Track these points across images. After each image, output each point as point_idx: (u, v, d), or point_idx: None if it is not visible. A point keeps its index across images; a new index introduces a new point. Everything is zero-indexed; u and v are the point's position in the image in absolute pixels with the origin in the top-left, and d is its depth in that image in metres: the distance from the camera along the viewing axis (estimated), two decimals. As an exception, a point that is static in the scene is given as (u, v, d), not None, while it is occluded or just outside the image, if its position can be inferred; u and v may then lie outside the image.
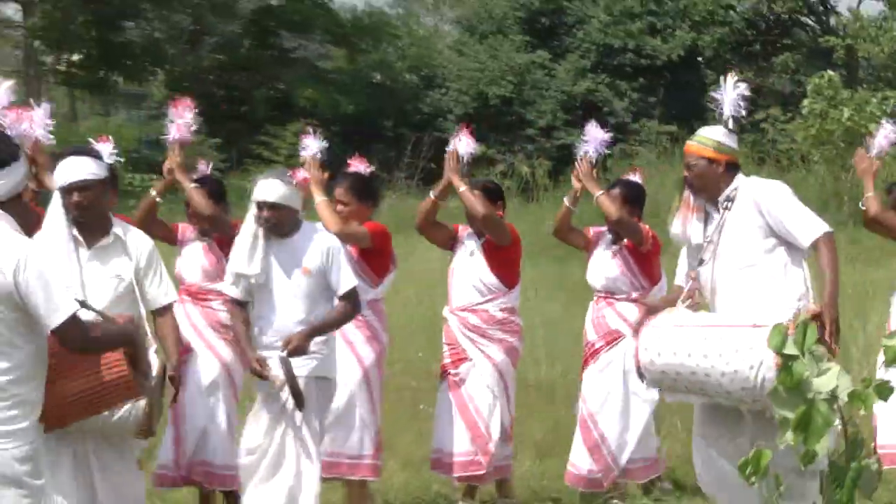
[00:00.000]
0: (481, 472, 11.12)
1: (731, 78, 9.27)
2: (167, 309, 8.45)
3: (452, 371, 11.17)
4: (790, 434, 6.89)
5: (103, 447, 8.15)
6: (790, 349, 7.07)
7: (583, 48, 42.58)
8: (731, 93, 9.17)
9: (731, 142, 9.15)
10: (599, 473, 11.34)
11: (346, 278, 9.49)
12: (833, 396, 6.85)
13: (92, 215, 8.19)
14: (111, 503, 8.22)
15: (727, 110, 9.17)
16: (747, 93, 9.25)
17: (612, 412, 11.35)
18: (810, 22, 45.42)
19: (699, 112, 37.94)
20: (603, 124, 35.86)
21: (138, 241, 8.36)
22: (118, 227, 8.31)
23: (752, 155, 34.58)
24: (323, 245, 9.19)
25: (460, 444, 11.12)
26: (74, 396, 7.05)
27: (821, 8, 44.86)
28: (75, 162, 8.14)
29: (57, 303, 6.55)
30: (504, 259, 11.17)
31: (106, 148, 8.94)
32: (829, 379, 6.94)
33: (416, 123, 42.56)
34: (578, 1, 43.44)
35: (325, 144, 10.73)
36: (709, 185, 9.09)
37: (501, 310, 11.15)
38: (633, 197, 11.65)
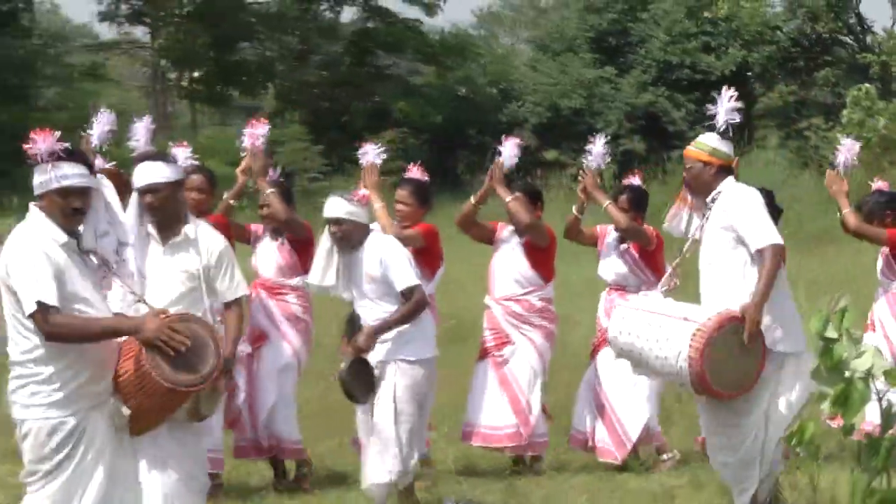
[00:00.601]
0: (523, 444, 11.10)
1: (727, 92, 9.30)
2: (234, 303, 8.25)
3: (496, 353, 11.15)
4: (829, 406, 6.63)
5: None
6: (831, 333, 6.71)
7: (645, 64, 41.99)
8: (725, 104, 9.20)
9: (724, 147, 9.20)
10: (613, 447, 11.32)
11: (401, 278, 9.37)
12: (869, 375, 6.61)
13: (163, 215, 8.04)
14: (177, 459, 7.95)
15: (721, 119, 9.18)
16: (740, 105, 9.27)
17: (624, 391, 11.28)
18: (849, 41, 44.50)
19: (748, 122, 37.20)
20: (663, 132, 36.67)
21: (210, 241, 8.16)
22: (191, 227, 8.12)
23: (797, 160, 35.32)
24: (379, 252, 9.16)
25: (503, 418, 11.07)
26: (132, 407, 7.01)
27: (858, 28, 43.69)
28: (149, 166, 8.02)
29: (28, 293, 6.71)
30: (542, 257, 11.19)
31: (182, 153, 8.82)
32: (866, 359, 6.65)
33: (496, 132, 40.87)
34: (641, 23, 42.61)
35: (380, 151, 10.81)
36: (702, 186, 9.16)
37: (540, 300, 11.17)
38: (637, 200, 11.59)
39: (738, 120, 9.23)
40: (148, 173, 7.92)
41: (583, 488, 10.64)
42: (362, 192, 9.97)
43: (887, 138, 32.59)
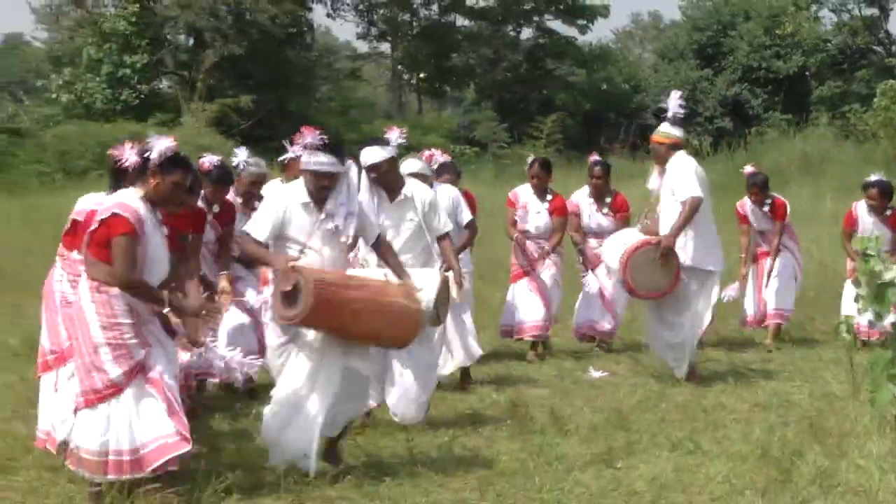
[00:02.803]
0: (548, 334, 10.72)
1: (674, 93, 9.28)
2: (445, 236, 7.81)
3: (531, 271, 10.49)
4: (865, 303, 6.71)
5: None
6: (871, 251, 6.69)
7: (733, 67, 41.69)
8: (674, 101, 9.16)
9: (675, 132, 9.14)
10: (611, 326, 10.90)
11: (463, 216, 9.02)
12: (894, 283, 6.59)
13: (386, 182, 7.59)
14: (409, 367, 7.50)
15: (672, 111, 9.14)
16: (683, 102, 9.21)
17: (622, 294, 10.29)
18: (880, 50, 43.52)
19: (806, 107, 39.45)
20: (745, 115, 36.14)
21: (422, 195, 7.71)
22: (408, 188, 7.68)
23: (840, 133, 34.21)
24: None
25: (536, 316, 10.46)
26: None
27: (886, 40, 43.42)
28: (370, 150, 7.46)
29: (249, 224, 6.62)
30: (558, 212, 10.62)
31: (394, 134, 7.50)
32: (893, 272, 6.62)
33: (628, 115, 42.47)
34: (731, 38, 42.30)
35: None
36: (661, 158, 9.15)
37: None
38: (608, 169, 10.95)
39: (682, 113, 9.20)
40: (369, 155, 7.47)
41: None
42: (427, 152, 9.26)
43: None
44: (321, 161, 6.44)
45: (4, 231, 18.13)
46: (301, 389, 6.42)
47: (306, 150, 6.47)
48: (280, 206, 6.53)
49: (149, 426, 5.74)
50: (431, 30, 44.41)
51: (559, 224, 10.65)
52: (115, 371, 5.74)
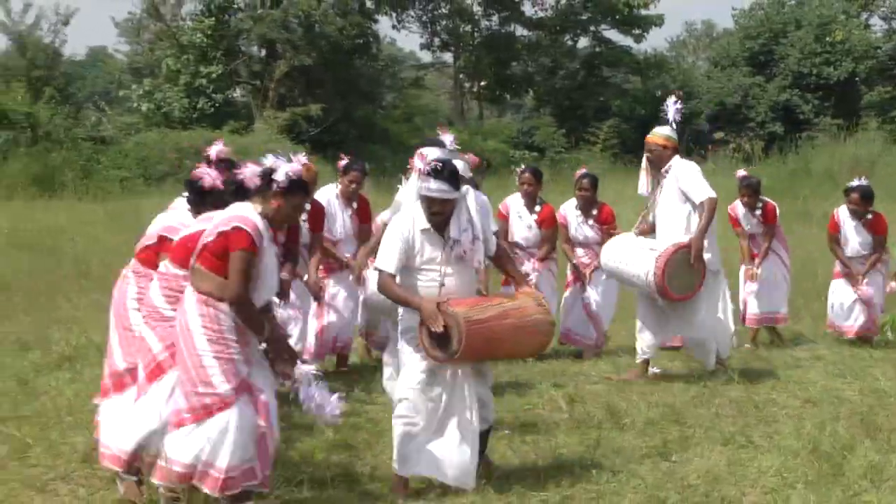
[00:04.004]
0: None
1: (671, 99, 9.19)
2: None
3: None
4: None
5: None
6: None
7: (784, 74, 41.04)
8: (672, 107, 9.10)
9: (673, 135, 9.06)
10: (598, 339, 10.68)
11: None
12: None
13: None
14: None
15: (671, 117, 9.07)
16: (680, 106, 9.11)
17: (609, 299, 10.59)
18: None
19: (856, 112, 38.88)
20: (795, 120, 35.48)
21: (475, 199, 6.78)
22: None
23: (889, 137, 33.98)
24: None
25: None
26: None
27: None
28: (426, 151, 6.47)
29: (378, 258, 6.22)
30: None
31: (448, 137, 6.84)
32: None
33: (681, 121, 41.19)
34: (782, 45, 41.56)
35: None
36: (659, 160, 9.01)
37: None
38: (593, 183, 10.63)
39: (679, 119, 9.10)
40: (433, 152, 6.65)
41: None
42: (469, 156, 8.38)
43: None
44: (430, 188, 6.13)
45: (90, 234, 18.32)
46: (432, 405, 6.07)
47: (419, 175, 6.19)
48: (404, 235, 6.17)
49: (243, 450, 5.49)
50: (492, 40, 44.20)
51: (547, 235, 10.54)
52: (223, 386, 5.50)
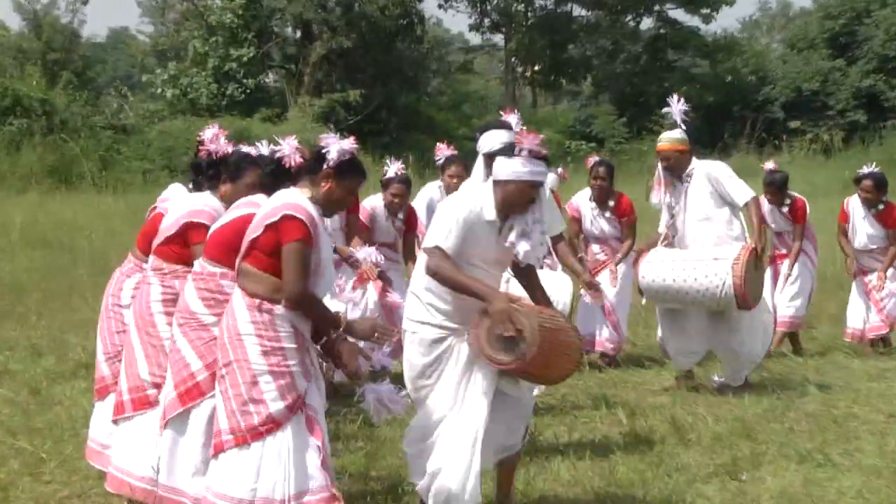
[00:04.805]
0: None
1: (674, 97, 9.11)
2: (559, 237, 7.61)
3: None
4: None
5: None
6: None
7: (867, 57, 41.10)
8: (675, 108, 9.02)
9: (686, 137, 9.05)
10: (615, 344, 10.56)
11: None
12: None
13: None
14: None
15: (678, 119, 9.04)
16: (686, 107, 9.00)
17: (623, 306, 10.53)
18: None
19: None
20: (880, 108, 34.95)
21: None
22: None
23: None
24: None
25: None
26: None
27: None
28: (493, 133, 6.46)
29: (437, 235, 5.60)
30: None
31: (514, 118, 6.55)
32: None
33: (754, 108, 41.66)
34: (865, 26, 41.88)
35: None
36: (679, 167, 9.03)
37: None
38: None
39: (688, 120, 9.04)
40: (493, 140, 6.49)
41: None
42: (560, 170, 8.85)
43: None
44: (536, 171, 5.60)
45: (109, 230, 18.41)
46: (448, 408, 5.64)
47: (521, 157, 5.59)
48: (468, 220, 5.59)
49: (304, 475, 5.10)
50: (547, 20, 44.77)
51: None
52: (276, 405, 5.11)
